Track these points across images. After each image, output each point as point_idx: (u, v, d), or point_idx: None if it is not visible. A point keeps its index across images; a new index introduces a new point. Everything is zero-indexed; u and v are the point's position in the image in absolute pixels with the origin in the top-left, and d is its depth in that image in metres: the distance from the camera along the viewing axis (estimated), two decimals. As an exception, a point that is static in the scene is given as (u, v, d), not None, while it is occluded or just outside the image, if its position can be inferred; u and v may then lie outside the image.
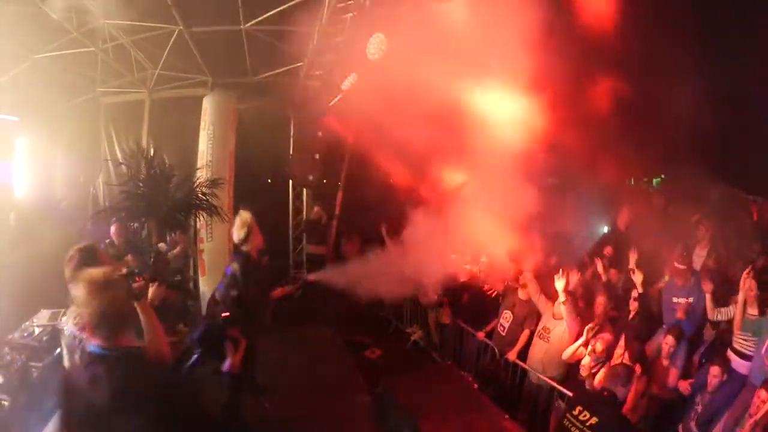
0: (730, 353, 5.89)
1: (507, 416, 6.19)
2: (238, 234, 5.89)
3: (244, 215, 6.03)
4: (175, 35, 9.10)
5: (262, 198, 10.74)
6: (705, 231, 7.78)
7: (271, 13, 8.40)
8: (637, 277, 6.88)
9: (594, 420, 4.77)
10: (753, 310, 5.76)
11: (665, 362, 6.11)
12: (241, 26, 8.91)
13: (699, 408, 5.66)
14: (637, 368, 5.74)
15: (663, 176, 22.66)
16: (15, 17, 7.87)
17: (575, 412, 4.93)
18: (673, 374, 6.05)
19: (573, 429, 4.84)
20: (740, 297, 5.83)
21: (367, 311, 10.64)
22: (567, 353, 6.56)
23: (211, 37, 9.23)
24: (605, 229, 9.95)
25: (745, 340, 5.79)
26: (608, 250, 8.31)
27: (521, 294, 7.52)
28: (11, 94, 9.83)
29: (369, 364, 8.38)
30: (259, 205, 8.74)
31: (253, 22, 8.79)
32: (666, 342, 6.08)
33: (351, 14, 7.28)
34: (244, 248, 5.86)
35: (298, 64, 10.37)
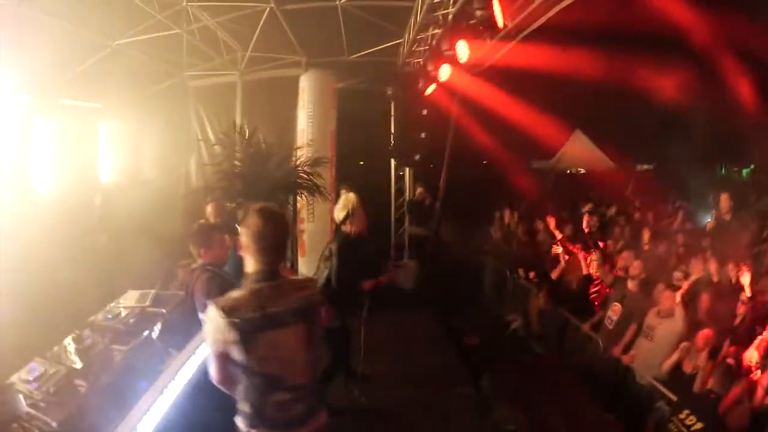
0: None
1: (609, 414, 6.17)
2: (338, 214, 5.91)
3: (350, 196, 6.04)
4: (266, 14, 9.02)
5: (365, 178, 10.68)
6: None
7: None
8: (746, 278, 6.39)
9: (700, 425, 4.64)
10: None
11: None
12: (337, 1, 8.76)
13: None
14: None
15: (753, 166, 21.66)
16: (92, 3, 7.99)
17: (682, 416, 4.80)
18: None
19: None
20: None
21: (467, 296, 10.51)
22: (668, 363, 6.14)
23: (304, 14, 9.14)
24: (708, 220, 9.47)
25: None
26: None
27: (631, 285, 7.16)
28: (93, 82, 9.95)
29: (468, 352, 8.15)
30: (362, 185, 8.71)
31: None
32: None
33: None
34: (344, 228, 5.86)
35: (399, 41, 10.18)
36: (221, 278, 4.41)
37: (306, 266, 9.73)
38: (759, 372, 5.11)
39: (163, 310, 5.51)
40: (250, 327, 2.67)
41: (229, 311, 2.65)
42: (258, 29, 9.53)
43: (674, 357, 6.07)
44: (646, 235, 8.82)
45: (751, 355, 5.42)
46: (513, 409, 6.01)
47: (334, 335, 5.87)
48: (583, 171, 20.42)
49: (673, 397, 5.60)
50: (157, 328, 5.05)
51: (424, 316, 9.22)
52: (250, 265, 2.82)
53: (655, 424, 5.78)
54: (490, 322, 9.87)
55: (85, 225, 8.56)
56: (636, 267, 7.17)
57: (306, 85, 10.18)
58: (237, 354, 2.68)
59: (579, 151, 18.83)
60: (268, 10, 8.95)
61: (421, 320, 9.04)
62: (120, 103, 10.84)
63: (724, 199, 8.32)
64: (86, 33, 8.81)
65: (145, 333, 4.88)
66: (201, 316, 4.07)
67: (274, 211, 2.88)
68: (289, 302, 2.82)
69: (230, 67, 11.00)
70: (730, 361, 5.41)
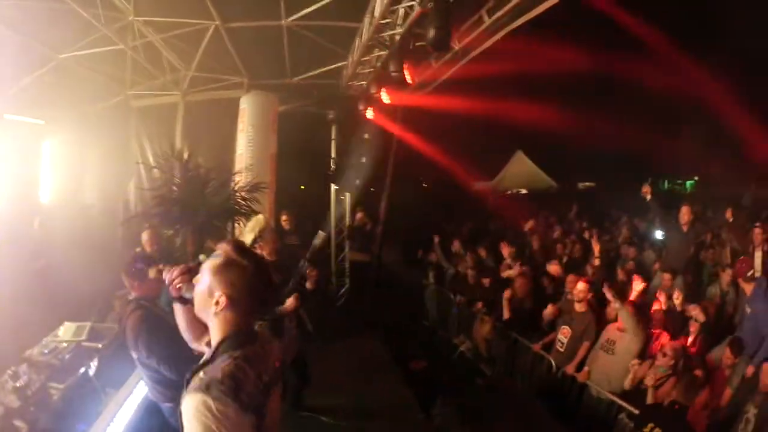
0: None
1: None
2: (247, 237, 5.73)
3: (258, 218, 5.99)
4: (210, 32, 8.81)
5: (304, 204, 10.47)
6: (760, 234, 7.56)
7: (317, 5, 7.97)
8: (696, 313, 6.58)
9: None
10: None
11: (726, 373, 5.86)
12: (282, 21, 8.56)
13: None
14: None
15: (696, 178, 22.54)
16: (38, 14, 7.62)
17: (646, 430, 4.72)
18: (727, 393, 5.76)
19: None
20: None
21: (411, 320, 10.39)
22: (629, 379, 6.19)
23: (248, 34, 8.97)
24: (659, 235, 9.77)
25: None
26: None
27: (578, 307, 7.13)
28: (37, 97, 9.52)
29: (416, 376, 7.99)
30: (302, 210, 8.49)
31: (296, 16, 8.43)
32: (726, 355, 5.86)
33: (407, 4, 6.85)
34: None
35: (342, 63, 10.09)
36: (154, 316, 4.04)
37: None
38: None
39: (99, 345, 5.29)
40: (261, 404, 2.09)
41: (233, 393, 1.97)
42: (202, 48, 9.31)
43: (639, 373, 6.09)
44: (596, 248, 8.84)
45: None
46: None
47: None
48: (524, 191, 20.72)
49: (634, 411, 5.58)
50: (94, 364, 4.91)
51: (369, 342, 9.05)
52: (223, 324, 2.17)
53: None
54: (436, 345, 9.79)
55: (24, 249, 8.13)
56: (581, 290, 7.11)
57: (247, 107, 9.96)
58: None
59: (521, 171, 19.17)
60: (212, 28, 8.74)
61: (366, 346, 8.87)
62: (64, 120, 10.36)
63: (685, 212, 8.38)
64: (32, 43, 8.43)
65: (82, 370, 4.74)
66: (132, 354, 3.90)
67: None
68: (273, 361, 2.32)
69: (172, 87, 10.69)
70: (697, 372, 5.50)
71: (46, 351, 4.92)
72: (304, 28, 8.72)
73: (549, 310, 7.67)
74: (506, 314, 8.26)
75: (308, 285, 6.48)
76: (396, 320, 10.31)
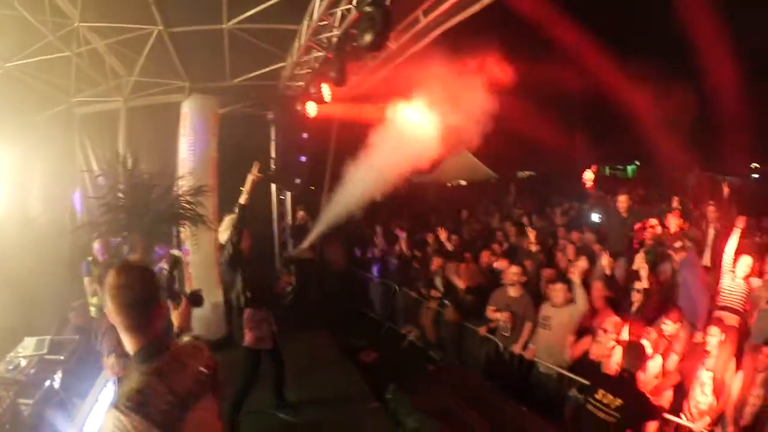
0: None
1: (523, 407, 6.31)
2: (222, 236, 6.14)
3: (233, 216, 6.21)
4: (153, 37, 8.76)
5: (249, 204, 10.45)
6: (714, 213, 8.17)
7: (258, 9, 8.06)
8: (643, 272, 6.96)
9: (619, 402, 4.76)
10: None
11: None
12: (224, 25, 8.62)
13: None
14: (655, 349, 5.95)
15: (637, 163, 23.31)
16: None
17: (598, 396, 4.90)
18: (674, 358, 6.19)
19: (599, 413, 4.79)
20: None
21: (358, 314, 10.54)
22: (578, 350, 6.58)
23: (190, 38, 8.93)
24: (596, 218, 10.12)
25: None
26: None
27: (512, 291, 7.46)
28: None
29: (368, 368, 8.19)
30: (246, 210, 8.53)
31: (237, 20, 8.49)
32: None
33: (344, 7, 7.02)
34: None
35: (281, 65, 10.15)
36: None
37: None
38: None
39: (62, 357, 5.30)
40: (172, 419, 2.17)
41: (138, 408, 2.08)
42: (144, 53, 9.24)
43: (581, 347, 6.51)
44: (531, 234, 9.19)
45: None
46: (424, 417, 6.02)
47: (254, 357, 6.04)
48: (464, 183, 21.03)
49: (584, 381, 5.90)
50: (58, 376, 4.90)
51: (318, 338, 9.16)
52: (130, 342, 2.30)
53: (573, 410, 6.09)
54: (384, 336, 9.96)
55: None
56: (513, 273, 7.45)
57: (188, 111, 9.80)
58: None
59: (459, 163, 19.49)
60: (155, 33, 8.69)
61: (316, 342, 8.99)
62: (7, 131, 10.10)
63: (623, 200, 8.80)
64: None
65: (47, 383, 4.77)
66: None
67: (138, 267, 2.37)
68: (193, 373, 2.40)
69: (115, 93, 10.51)
70: (639, 341, 5.79)
71: (11, 367, 4.92)
72: (245, 31, 8.78)
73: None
74: (462, 284, 8.48)
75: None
76: (343, 315, 10.49)
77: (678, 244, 7.23)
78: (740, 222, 7.00)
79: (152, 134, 10.34)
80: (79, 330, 6.82)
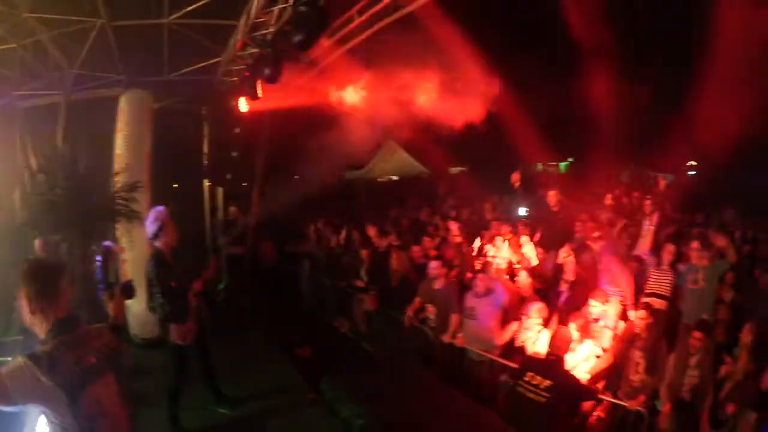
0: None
1: (456, 392, 6.53)
2: (149, 228, 5.84)
3: (158, 209, 5.99)
4: (96, 30, 8.73)
5: (180, 201, 10.40)
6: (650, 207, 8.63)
7: (199, 4, 8.16)
8: (569, 264, 7.42)
9: (548, 382, 4.99)
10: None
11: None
12: (164, 19, 8.64)
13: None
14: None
15: (571, 159, 23.92)
16: None
17: (527, 378, 5.14)
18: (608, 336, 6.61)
19: (529, 394, 5.03)
20: None
21: (291, 309, 10.62)
22: (504, 336, 6.91)
23: (130, 32, 8.93)
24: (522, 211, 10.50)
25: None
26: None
27: (436, 284, 7.70)
28: None
29: (303, 362, 8.23)
30: (177, 207, 8.53)
31: (177, 14, 8.54)
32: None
33: (281, 6, 7.12)
34: (157, 244, 5.83)
35: (217, 60, 10.19)
36: None
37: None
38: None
39: (9, 359, 5.24)
40: (73, 384, 2.53)
41: (48, 367, 2.47)
42: (87, 46, 9.16)
43: (509, 333, 6.85)
44: (453, 227, 9.62)
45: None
46: (359, 405, 6.13)
47: (181, 353, 5.95)
48: (396, 178, 21.29)
49: (513, 365, 6.22)
50: None
51: (252, 334, 9.17)
52: (42, 323, 2.66)
53: (505, 393, 6.24)
54: (317, 330, 9.98)
55: None
56: (435, 267, 7.71)
57: (124, 106, 9.61)
58: (59, 416, 2.52)
59: (391, 159, 19.69)
60: (99, 25, 8.65)
61: (250, 338, 9.00)
62: None
63: (553, 195, 9.19)
64: None
65: None
66: None
67: (40, 260, 2.86)
68: (97, 351, 2.73)
69: (56, 86, 10.35)
70: (566, 327, 6.12)
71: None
72: (184, 26, 8.83)
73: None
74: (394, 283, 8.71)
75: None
76: (276, 310, 10.50)
77: (596, 234, 7.58)
78: (653, 219, 7.40)
79: (91, 129, 10.18)
80: (23, 331, 6.76)
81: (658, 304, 6.83)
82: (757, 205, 11.15)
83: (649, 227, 8.25)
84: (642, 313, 6.19)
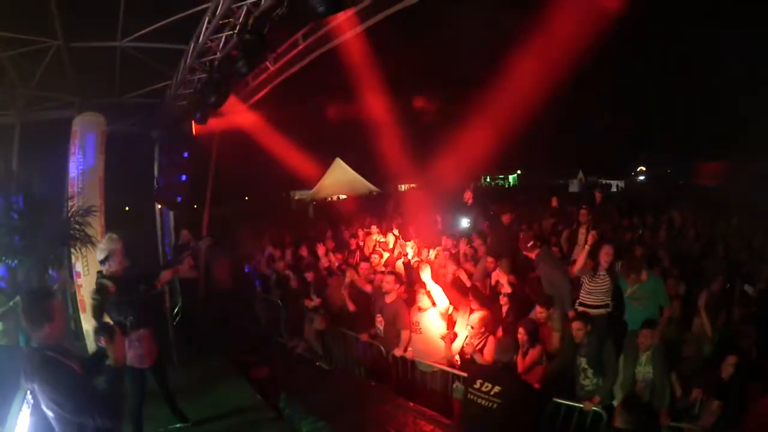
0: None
1: (411, 403, 6.68)
2: (99, 256, 5.87)
3: (111, 235, 6.01)
4: (52, 51, 8.77)
5: (133, 225, 10.36)
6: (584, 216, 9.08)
7: (151, 28, 8.32)
8: (502, 279, 7.82)
9: (497, 389, 5.08)
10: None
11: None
12: (118, 42, 8.73)
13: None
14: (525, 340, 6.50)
15: (519, 172, 24.53)
16: None
17: (476, 386, 5.21)
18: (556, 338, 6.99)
19: (480, 401, 5.11)
20: None
21: (246, 331, 10.65)
22: (455, 347, 7.11)
23: (84, 54, 8.97)
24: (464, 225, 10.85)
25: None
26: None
27: (387, 298, 7.82)
28: None
29: (260, 382, 8.21)
30: (130, 231, 8.55)
31: (130, 38, 8.66)
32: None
33: (228, 33, 7.29)
34: (105, 270, 5.85)
35: (167, 83, 10.24)
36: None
37: (88, 322, 8.69)
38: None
39: None
40: None
41: None
42: (42, 67, 9.17)
43: (456, 345, 7.07)
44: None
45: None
46: (316, 419, 6.26)
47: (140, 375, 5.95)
48: (344, 197, 21.23)
49: (463, 374, 6.41)
50: None
51: (209, 357, 9.15)
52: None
53: (459, 401, 6.36)
54: (273, 351, 9.98)
55: None
56: (388, 281, 7.83)
57: (78, 128, 9.62)
58: None
59: (340, 178, 19.85)
60: (55, 47, 8.69)
61: (207, 361, 8.98)
62: None
63: (507, 217, 9.71)
64: None
65: None
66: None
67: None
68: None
69: (10, 106, 10.27)
70: (519, 336, 6.42)
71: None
72: (136, 49, 8.94)
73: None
74: (351, 306, 8.69)
75: None
76: (230, 333, 10.42)
77: (530, 244, 7.88)
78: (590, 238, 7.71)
79: (45, 151, 10.17)
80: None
81: (594, 312, 6.97)
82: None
83: (582, 234, 8.73)
84: (578, 324, 6.45)
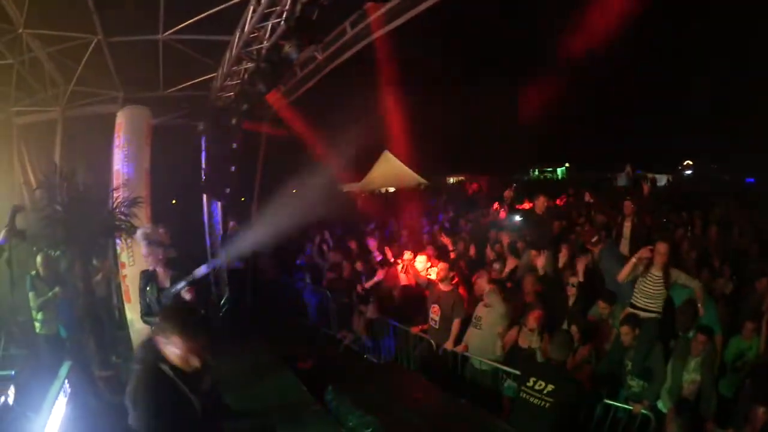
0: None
1: (459, 399, 6.49)
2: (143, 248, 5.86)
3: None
4: (92, 46, 8.80)
5: (179, 216, 10.39)
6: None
7: (193, 20, 8.30)
8: (580, 265, 7.42)
9: (551, 387, 5.02)
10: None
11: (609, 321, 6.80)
12: (159, 35, 8.72)
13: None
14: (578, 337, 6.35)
15: (568, 164, 24.13)
16: None
17: (530, 384, 5.16)
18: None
19: (533, 400, 5.05)
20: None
21: (294, 323, 10.60)
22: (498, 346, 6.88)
23: (126, 48, 8.99)
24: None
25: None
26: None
27: (443, 286, 7.72)
28: None
29: (307, 375, 8.09)
30: (176, 222, 8.53)
31: (172, 30, 8.64)
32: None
33: (275, 21, 7.20)
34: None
35: (212, 75, 10.25)
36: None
37: (133, 312, 8.94)
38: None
39: (12, 372, 5.29)
40: None
41: None
42: (83, 62, 9.21)
43: (505, 340, 6.83)
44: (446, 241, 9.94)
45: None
46: (364, 414, 6.17)
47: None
48: (393, 189, 21.27)
49: (516, 372, 6.16)
50: (11, 392, 4.83)
51: (255, 348, 9.10)
52: None
53: (510, 399, 6.38)
54: (320, 342, 9.98)
55: None
56: (442, 269, 7.78)
57: (122, 121, 9.66)
58: None
59: (388, 170, 19.78)
60: (95, 42, 8.73)
61: (253, 352, 8.91)
62: None
63: (541, 202, 9.22)
64: None
65: (1, 399, 4.69)
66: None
67: None
68: None
69: (53, 102, 10.39)
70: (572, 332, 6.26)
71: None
72: (179, 41, 8.92)
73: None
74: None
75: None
76: (278, 324, 10.45)
77: (594, 239, 7.62)
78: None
79: (88, 145, 10.19)
80: (25, 345, 6.78)
81: (643, 315, 6.47)
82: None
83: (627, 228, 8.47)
84: (626, 328, 6.16)
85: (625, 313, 6.50)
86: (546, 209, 9.18)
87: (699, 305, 6.35)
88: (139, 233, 6.14)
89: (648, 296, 6.48)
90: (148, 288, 5.83)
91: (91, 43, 8.77)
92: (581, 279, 7.32)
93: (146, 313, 5.82)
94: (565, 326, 6.68)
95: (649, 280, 6.52)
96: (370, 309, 8.84)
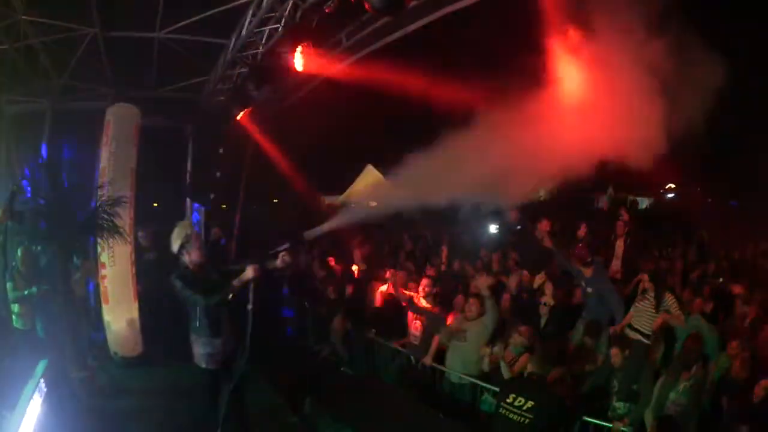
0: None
1: (438, 414, 6.50)
2: (174, 245, 5.53)
3: (184, 223, 5.87)
4: (87, 40, 8.72)
5: (162, 219, 10.29)
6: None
7: (191, 20, 8.23)
8: (548, 289, 7.53)
9: (531, 403, 4.93)
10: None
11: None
12: (156, 33, 8.66)
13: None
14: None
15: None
16: None
17: (509, 400, 5.06)
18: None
19: (512, 416, 4.96)
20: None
21: (271, 334, 10.49)
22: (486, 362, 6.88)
23: (121, 44, 8.93)
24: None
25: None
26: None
27: (424, 302, 7.75)
28: None
29: (285, 386, 8.00)
30: (159, 225, 8.42)
31: (169, 29, 8.57)
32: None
33: (272, 26, 7.21)
34: (184, 258, 5.53)
35: (204, 78, 10.19)
36: None
37: (110, 314, 8.85)
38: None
39: None
40: None
41: None
42: (77, 55, 9.14)
43: (492, 357, 6.80)
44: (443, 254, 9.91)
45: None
46: (343, 426, 6.19)
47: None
48: (374, 204, 21.14)
49: (494, 388, 6.20)
50: None
51: None
52: None
53: (487, 414, 6.36)
54: (298, 354, 9.83)
55: None
56: (425, 285, 7.81)
57: (111, 119, 9.42)
58: None
59: (369, 185, 19.74)
60: (91, 35, 8.65)
61: None
62: None
63: (544, 224, 8.92)
64: None
65: None
66: None
67: None
68: None
69: (43, 94, 10.26)
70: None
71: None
72: (175, 41, 8.86)
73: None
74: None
75: None
76: (256, 333, 10.31)
77: (589, 260, 7.59)
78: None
79: (75, 141, 10.05)
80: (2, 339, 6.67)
81: (635, 337, 6.54)
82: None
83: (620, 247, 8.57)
84: (615, 350, 6.21)
85: (615, 334, 6.58)
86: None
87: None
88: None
89: (639, 318, 6.61)
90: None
91: (87, 36, 8.69)
92: (552, 301, 7.40)
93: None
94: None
95: (643, 303, 6.67)
96: (336, 320, 8.85)
